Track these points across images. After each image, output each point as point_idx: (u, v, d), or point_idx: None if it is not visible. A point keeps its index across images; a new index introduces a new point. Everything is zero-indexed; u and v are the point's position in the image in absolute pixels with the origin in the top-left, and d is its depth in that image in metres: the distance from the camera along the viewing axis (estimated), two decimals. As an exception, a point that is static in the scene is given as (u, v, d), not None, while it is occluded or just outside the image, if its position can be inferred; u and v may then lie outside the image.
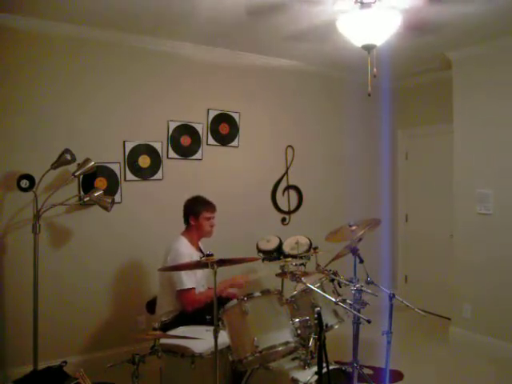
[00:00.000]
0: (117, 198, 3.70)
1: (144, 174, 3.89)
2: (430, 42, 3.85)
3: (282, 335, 2.32)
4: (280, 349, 2.30)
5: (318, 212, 4.83)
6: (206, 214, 3.22)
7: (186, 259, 2.98)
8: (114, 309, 3.78)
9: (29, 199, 3.29)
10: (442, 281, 4.76)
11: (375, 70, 2.76)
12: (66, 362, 3.06)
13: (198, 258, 3.03)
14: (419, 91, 5.16)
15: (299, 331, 2.39)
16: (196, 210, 3.22)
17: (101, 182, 3.66)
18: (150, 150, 3.91)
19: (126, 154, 3.80)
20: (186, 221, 3.27)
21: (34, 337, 3.17)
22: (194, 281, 3.03)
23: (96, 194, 3.38)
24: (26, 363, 3.20)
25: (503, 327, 3.81)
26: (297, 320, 2.42)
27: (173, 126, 4.02)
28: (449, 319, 4.45)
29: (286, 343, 2.31)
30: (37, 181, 3.22)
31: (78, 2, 3.03)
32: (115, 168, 3.74)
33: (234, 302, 2.38)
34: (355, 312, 2.58)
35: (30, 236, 3.22)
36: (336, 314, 2.72)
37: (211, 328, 2.31)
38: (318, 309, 2.27)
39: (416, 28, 3.41)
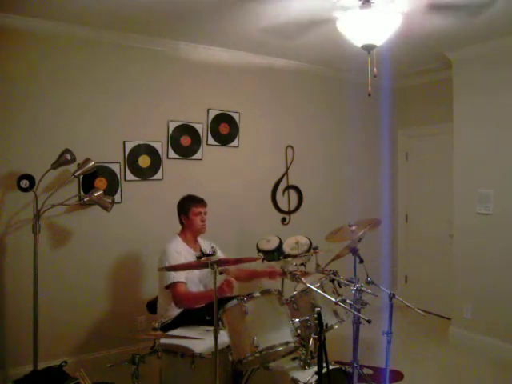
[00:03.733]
0: (117, 197, 3.70)
1: (144, 174, 3.89)
2: (430, 42, 3.86)
3: (282, 335, 2.32)
4: (280, 349, 2.30)
5: (318, 212, 4.83)
6: (195, 209, 3.21)
7: (172, 258, 2.97)
8: (115, 309, 3.78)
9: (29, 199, 3.29)
10: (441, 281, 4.76)
11: (375, 70, 2.76)
12: (66, 362, 3.07)
13: (192, 256, 3.03)
14: (419, 91, 5.16)
15: (299, 331, 2.39)
16: (185, 208, 3.23)
17: (101, 182, 3.66)
18: (150, 150, 3.91)
19: (126, 154, 3.80)
20: (179, 220, 3.29)
21: (34, 337, 3.18)
22: (184, 276, 2.97)
23: (96, 194, 3.38)
24: (26, 363, 3.21)
25: (503, 327, 3.81)
26: (297, 320, 2.42)
27: (173, 125, 4.02)
28: (449, 319, 4.45)
29: (286, 343, 2.31)
30: (37, 181, 3.22)
31: (77, 2, 3.03)
32: (115, 168, 3.74)
33: (234, 302, 2.38)
34: (355, 312, 2.58)
35: (30, 236, 3.22)
36: (336, 314, 2.71)
37: (211, 328, 2.31)
38: (318, 309, 2.27)
39: (415, 33, 3.42)
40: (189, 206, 3.22)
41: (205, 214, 3.26)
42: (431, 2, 2.96)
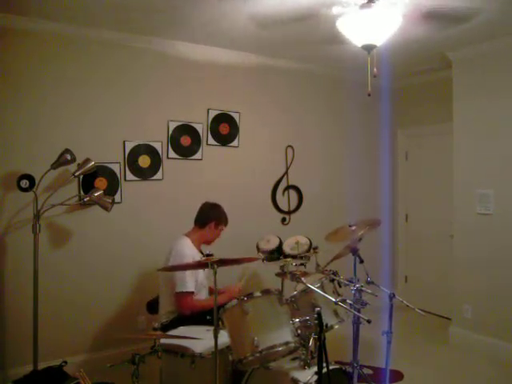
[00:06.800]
0: (117, 197, 3.70)
1: (144, 174, 3.89)
2: (430, 42, 3.85)
3: (282, 335, 2.32)
4: (280, 349, 2.30)
5: (318, 212, 4.83)
6: (223, 226, 3.30)
7: (188, 261, 2.97)
8: (114, 309, 3.78)
9: (29, 199, 3.29)
10: (442, 281, 4.76)
11: (375, 70, 2.76)
12: (66, 362, 3.07)
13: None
14: (419, 91, 5.16)
15: (299, 331, 2.39)
16: (220, 219, 3.27)
17: (101, 182, 3.66)
18: (150, 150, 3.91)
19: (126, 154, 3.80)
20: (203, 223, 3.24)
21: (34, 337, 3.18)
22: (195, 285, 3.03)
23: (96, 194, 3.38)
24: (26, 363, 3.21)
25: (503, 327, 3.81)
26: (297, 320, 2.42)
27: (173, 125, 4.02)
28: (449, 319, 4.45)
29: (286, 343, 2.31)
30: (37, 181, 3.22)
31: (78, 2, 3.03)
32: (115, 168, 3.74)
33: (234, 301, 2.38)
34: (355, 312, 2.58)
35: (30, 236, 3.22)
36: (336, 314, 2.71)
37: (211, 328, 2.31)
38: (318, 309, 2.27)
39: (417, 20, 3.40)
40: (223, 220, 3.29)
41: None
42: (420, 12, 2.98)
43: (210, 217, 3.24)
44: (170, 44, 3.90)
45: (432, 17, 3.14)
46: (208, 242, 3.30)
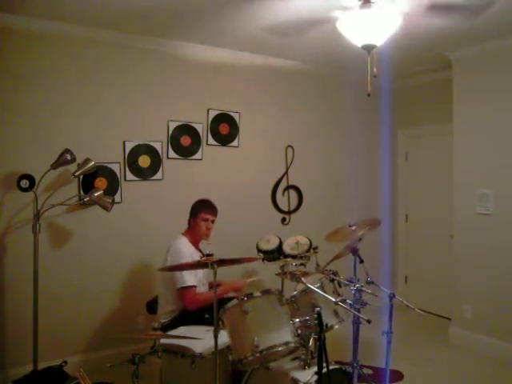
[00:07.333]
0: (117, 197, 3.70)
1: (144, 174, 3.89)
2: (430, 42, 3.85)
3: (282, 335, 2.32)
4: (280, 349, 2.30)
5: (318, 212, 4.83)
6: (204, 215, 3.25)
7: (186, 258, 3.00)
8: (114, 309, 3.78)
9: (29, 199, 3.29)
10: (442, 281, 4.76)
11: (375, 70, 2.76)
12: (66, 362, 3.08)
13: (198, 258, 3.05)
14: (419, 91, 5.16)
15: (299, 331, 2.39)
16: (195, 211, 3.28)
17: (101, 182, 3.66)
18: (150, 150, 3.91)
19: (126, 154, 3.80)
20: (188, 221, 3.32)
21: (34, 337, 3.18)
22: (195, 280, 3.04)
23: (96, 194, 3.38)
24: (26, 363, 3.21)
25: (503, 327, 3.81)
26: (297, 320, 2.42)
27: (173, 125, 4.02)
28: (449, 319, 4.45)
29: (286, 343, 2.31)
30: (37, 181, 3.22)
31: (78, 3, 3.03)
32: (115, 168, 3.74)
33: (235, 301, 2.38)
34: (355, 312, 2.58)
35: (30, 236, 3.22)
36: (336, 314, 2.71)
37: (211, 328, 2.31)
38: (318, 309, 2.27)
39: (415, 33, 3.41)
40: (199, 210, 3.26)
41: (212, 222, 3.30)
42: (431, 2, 2.96)
43: (189, 213, 3.31)
44: (170, 44, 3.90)
45: (436, 8, 3.06)
46: (201, 237, 3.29)
